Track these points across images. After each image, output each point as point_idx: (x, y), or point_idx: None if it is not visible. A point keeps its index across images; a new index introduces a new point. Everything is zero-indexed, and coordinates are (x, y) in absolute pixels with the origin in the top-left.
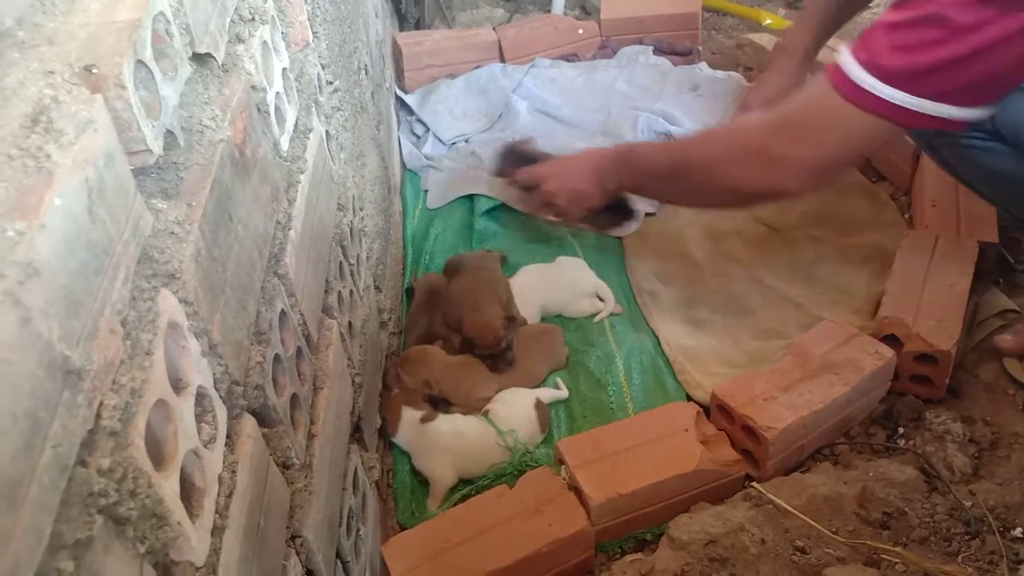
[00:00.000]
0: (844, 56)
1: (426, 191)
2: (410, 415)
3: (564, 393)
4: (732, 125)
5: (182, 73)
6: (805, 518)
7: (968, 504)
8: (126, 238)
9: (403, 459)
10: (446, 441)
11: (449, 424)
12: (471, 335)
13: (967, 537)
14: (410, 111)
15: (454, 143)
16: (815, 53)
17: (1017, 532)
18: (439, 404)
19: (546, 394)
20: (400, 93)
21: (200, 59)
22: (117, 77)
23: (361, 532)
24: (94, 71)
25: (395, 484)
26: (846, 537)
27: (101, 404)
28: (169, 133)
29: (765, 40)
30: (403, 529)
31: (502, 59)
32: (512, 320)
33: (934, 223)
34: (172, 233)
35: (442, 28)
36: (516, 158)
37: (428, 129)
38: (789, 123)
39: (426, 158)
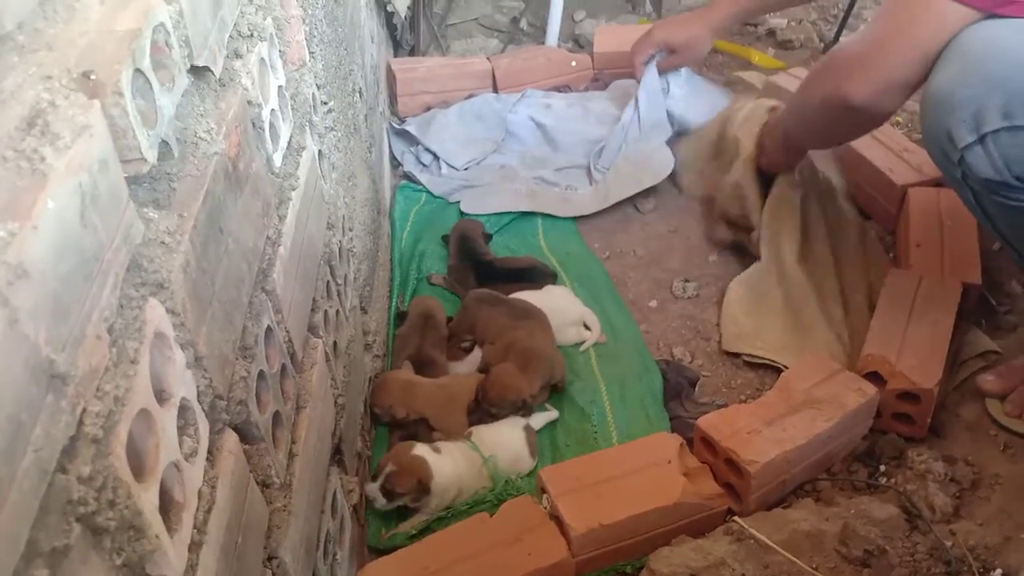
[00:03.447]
0: None
1: (457, 201)
2: None
3: (554, 414)
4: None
5: (179, 84)
6: (786, 554)
7: (948, 544)
8: (116, 245)
9: None
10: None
11: (432, 457)
12: (493, 378)
13: None
14: (412, 142)
15: (467, 168)
16: (727, 29)
17: (997, 573)
18: (419, 429)
19: (537, 419)
20: (404, 126)
21: (198, 72)
22: (115, 84)
23: (338, 557)
24: (92, 77)
25: (368, 508)
26: (826, 574)
27: (84, 410)
28: (164, 143)
29: (755, 78)
30: (372, 552)
31: (495, 88)
32: (525, 404)
33: (918, 263)
34: (162, 243)
35: (436, 56)
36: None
37: (436, 157)
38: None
39: (461, 179)
